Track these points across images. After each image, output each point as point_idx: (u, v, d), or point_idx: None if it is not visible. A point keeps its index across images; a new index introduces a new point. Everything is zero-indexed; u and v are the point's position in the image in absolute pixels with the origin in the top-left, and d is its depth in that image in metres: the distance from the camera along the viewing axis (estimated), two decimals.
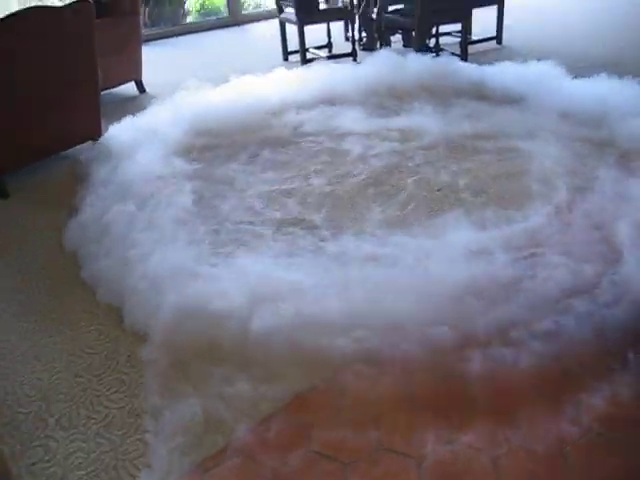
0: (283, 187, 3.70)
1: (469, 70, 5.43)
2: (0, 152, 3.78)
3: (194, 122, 4.53)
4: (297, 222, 3.25)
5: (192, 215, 3.33)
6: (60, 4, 3.99)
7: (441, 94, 5.05)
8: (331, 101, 5.03)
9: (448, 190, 3.53)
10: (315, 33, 6.69)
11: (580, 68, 5.27)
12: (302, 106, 4.94)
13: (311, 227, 3.18)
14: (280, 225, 3.23)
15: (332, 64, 5.74)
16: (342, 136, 4.41)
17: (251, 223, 3.27)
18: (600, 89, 4.65)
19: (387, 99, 5.10)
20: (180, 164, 4.00)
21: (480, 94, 4.99)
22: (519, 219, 3.09)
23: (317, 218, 3.28)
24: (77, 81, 4.03)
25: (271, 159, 4.14)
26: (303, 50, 6.30)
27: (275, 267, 2.72)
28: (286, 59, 6.71)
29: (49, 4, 5.89)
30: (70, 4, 3.86)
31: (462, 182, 3.61)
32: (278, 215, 3.34)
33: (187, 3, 9.73)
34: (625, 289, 2.43)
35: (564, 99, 4.58)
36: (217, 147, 4.34)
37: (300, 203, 3.47)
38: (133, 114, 4.66)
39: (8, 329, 2.62)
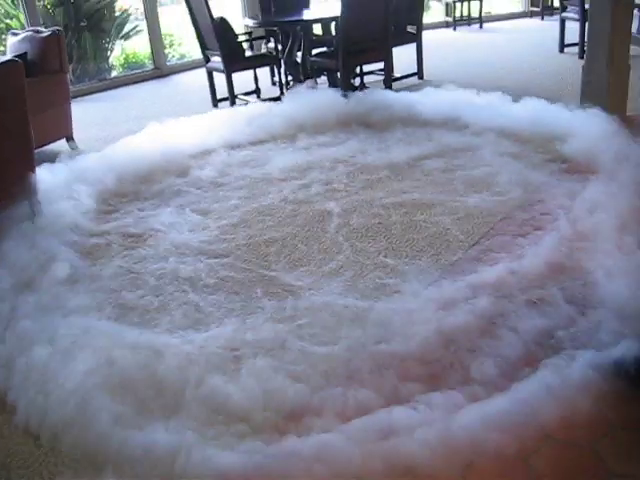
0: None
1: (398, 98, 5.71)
2: None
3: (119, 171, 4.65)
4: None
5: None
6: None
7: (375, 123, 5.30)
8: (262, 139, 5.20)
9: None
10: (243, 79, 6.80)
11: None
12: (232, 146, 5.12)
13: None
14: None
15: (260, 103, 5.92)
16: (268, 176, 4.57)
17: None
18: (528, 110, 5.08)
19: (317, 132, 5.30)
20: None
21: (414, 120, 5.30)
22: None
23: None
24: (10, 141, 3.99)
25: (195, 203, 4.25)
26: (232, 97, 6.40)
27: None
28: (216, 106, 6.78)
29: None
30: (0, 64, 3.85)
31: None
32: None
33: (111, 57, 9.77)
34: None
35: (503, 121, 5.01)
36: (136, 194, 4.46)
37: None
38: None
39: None
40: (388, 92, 6.14)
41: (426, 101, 5.65)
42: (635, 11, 6.73)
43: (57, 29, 5.65)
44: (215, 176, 4.68)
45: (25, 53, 5.35)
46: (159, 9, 9.10)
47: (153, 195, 4.46)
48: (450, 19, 11.20)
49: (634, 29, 6.45)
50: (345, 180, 4.38)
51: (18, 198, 4.26)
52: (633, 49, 5.48)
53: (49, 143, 5.60)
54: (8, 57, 4.81)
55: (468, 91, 5.67)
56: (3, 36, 8.77)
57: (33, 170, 4.26)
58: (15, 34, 6.00)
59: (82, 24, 8.92)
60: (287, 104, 5.83)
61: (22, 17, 8.05)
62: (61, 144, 5.77)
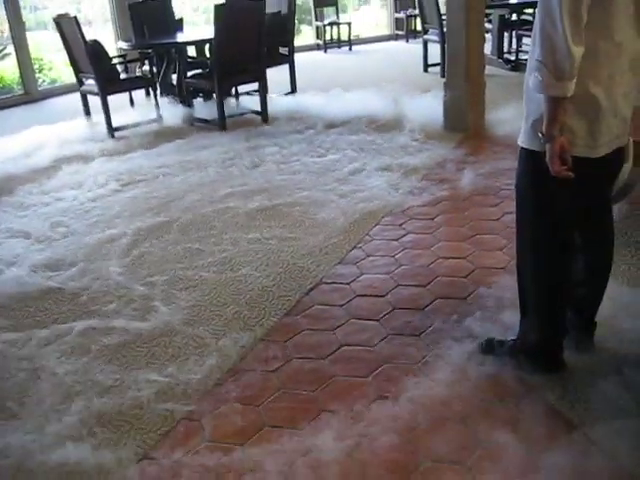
0: None
1: None
2: None
3: None
4: None
5: None
6: None
7: None
8: None
9: None
10: (117, 102, 6.77)
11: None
12: None
13: None
14: None
15: None
16: None
17: None
18: None
19: None
20: None
21: None
22: None
23: None
24: None
25: None
26: (109, 120, 6.34)
27: None
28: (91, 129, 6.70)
29: None
30: None
31: None
32: None
33: None
34: None
35: None
36: None
37: None
38: None
39: None
40: None
41: None
42: (487, 35, 7.32)
43: None
44: None
45: None
46: (28, 33, 8.88)
47: None
48: (321, 42, 11.60)
49: (487, 50, 7.02)
50: None
51: None
52: (488, 68, 5.99)
53: None
54: None
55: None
56: None
57: None
58: None
59: None
60: None
61: None
62: None
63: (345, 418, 2.28)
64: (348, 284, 3.22)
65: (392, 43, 11.95)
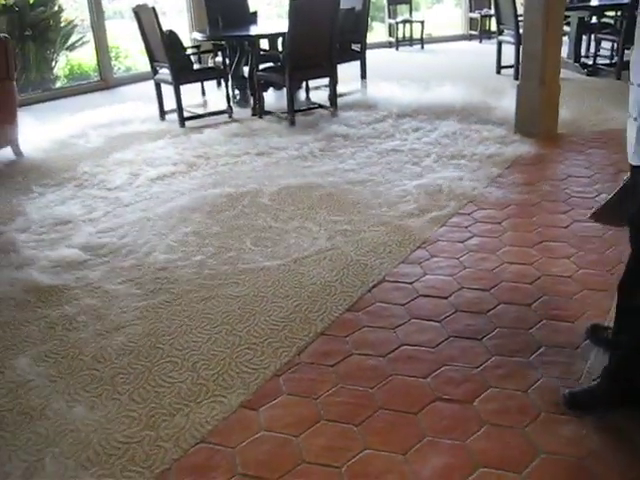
0: None
1: None
2: None
3: None
4: None
5: None
6: None
7: None
8: None
9: None
10: (190, 92, 6.89)
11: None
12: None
13: None
14: None
15: None
16: None
17: None
18: None
19: None
20: None
21: None
22: None
23: None
24: None
25: None
26: (180, 109, 6.46)
27: None
28: (163, 118, 6.83)
29: None
30: None
31: None
32: None
33: (56, 68, 9.70)
34: None
35: None
36: None
37: None
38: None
39: None
40: None
41: None
42: (565, 38, 7.14)
43: (4, 35, 5.61)
44: None
45: None
46: (106, 22, 9.11)
47: None
48: (393, 39, 11.52)
49: (564, 53, 6.85)
50: None
51: None
52: (563, 72, 5.85)
53: None
54: None
55: None
56: None
57: None
58: None
59: (26, 33, 8.84)
60: None
61: None
62: (5, 151, 5.73)
63: (403, 418, 2.27)
64: (411, 284, 3.19)
65: (465, 43, 11.77)
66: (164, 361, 2.67)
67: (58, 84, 9.52)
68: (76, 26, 9.70)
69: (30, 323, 3.01)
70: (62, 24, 9.56)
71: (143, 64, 8.40)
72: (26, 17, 8.87)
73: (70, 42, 9.71)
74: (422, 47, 11.37)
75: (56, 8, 9.28)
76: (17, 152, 5.81)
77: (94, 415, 2.37)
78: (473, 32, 11.91)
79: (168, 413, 2.35)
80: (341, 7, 6.42)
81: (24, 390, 2.54)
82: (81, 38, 9.71)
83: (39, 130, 6.45)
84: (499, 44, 8.44)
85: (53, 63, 9.63)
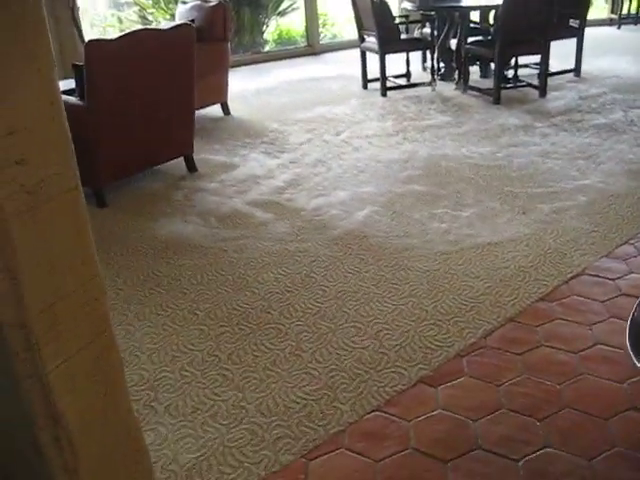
0: None
1: None
2: (104, 167, 4.01)
3: None
4: None
5: None
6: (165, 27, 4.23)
7: None
8: None
9: None
10: (392, 62, 6.85)
11: None
12: None
13: None
14: None
15: None
16: None
17: None
18: None
19: None
20: None
21: None
22: None
23: None
24: (176, 100, 4.27)
25: None
26: (384, 78, 6.45)
27: None
28: (365, 87, 6.87)
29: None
30: (174, 27, 4.11)
31: None
32: None
33: (266, 33, 10.09)
34: None
35: None
36: None
37: None
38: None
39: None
40: None
41: None
42: None
43: (224, 0, 5.91)
44: None
45: (192, 20, 5.64)
46: None
47: None
48: (615, 16, 10.64)
49: None
50: None
51: (177, 155, 4.57)
52: None
53: (205, 107, 5.90)
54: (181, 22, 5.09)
55: None
56: (170, 5, 9.29)
57: (192, 130, 4.53)
58: (184, 2, 6.35)
59: None
60: None
61: None
62: (214, 109, 6.06)
63: (591, 422, 2.11)
64: (613, 280, 2.95)
65: None
66: (348, 325, 2.69)
67: (267, 48, 9.90)
68: None
69: None
70: None
71: (348, 32, 8.50)
72: None
73: (282, 8, 10.05)
74: None
75: None
76: (226, 110, 6.11)
77: (276, 368, 2.45)
78: None
79: (347, 377, 2.37)
80: None
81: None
82: (292, 4, 10.00)
83: (247, 89, 6.76)
84: None
85: (264, 27, 10.02)
